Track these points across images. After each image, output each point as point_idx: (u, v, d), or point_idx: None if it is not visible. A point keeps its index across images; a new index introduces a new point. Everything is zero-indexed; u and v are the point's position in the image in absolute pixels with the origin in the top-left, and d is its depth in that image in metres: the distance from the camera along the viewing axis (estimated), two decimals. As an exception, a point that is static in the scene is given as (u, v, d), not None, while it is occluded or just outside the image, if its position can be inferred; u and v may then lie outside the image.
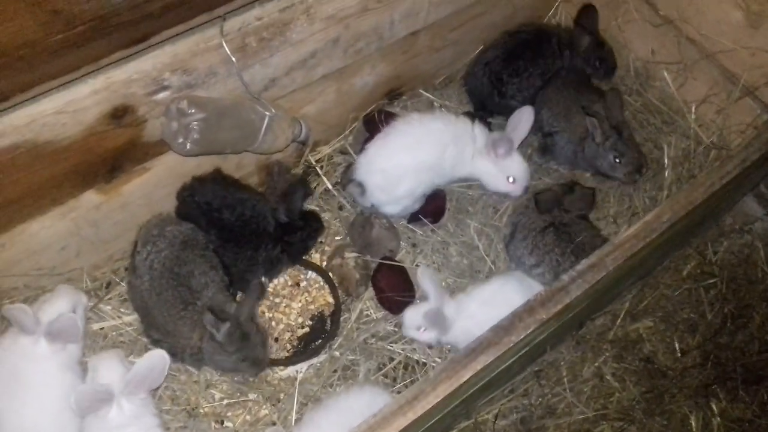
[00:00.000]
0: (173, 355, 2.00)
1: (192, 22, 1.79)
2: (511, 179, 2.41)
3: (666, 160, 2.57)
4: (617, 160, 2.40)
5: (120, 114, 1.83)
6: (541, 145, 2.62)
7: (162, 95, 1.87)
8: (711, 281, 2.52)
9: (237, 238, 2.16)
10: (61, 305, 1.99)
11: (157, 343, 2.06)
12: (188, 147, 1.87)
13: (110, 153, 1.92)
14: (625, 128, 2.43)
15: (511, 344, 1.55)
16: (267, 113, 2.03)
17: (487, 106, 2.65)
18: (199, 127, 1.85)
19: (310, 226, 2.31)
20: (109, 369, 1.92)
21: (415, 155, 2.29)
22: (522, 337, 1.56)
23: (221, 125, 1.91)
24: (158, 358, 1.88)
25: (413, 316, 2.15)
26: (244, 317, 2.00)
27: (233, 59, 1.89)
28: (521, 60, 2.59)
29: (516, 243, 2.30)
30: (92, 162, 1.91)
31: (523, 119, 2.39)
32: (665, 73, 2.66)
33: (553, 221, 2.24)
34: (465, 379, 1.51)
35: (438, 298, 2.11)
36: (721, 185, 1.80)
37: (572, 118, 2.51)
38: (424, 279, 2.12)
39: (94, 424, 1.84)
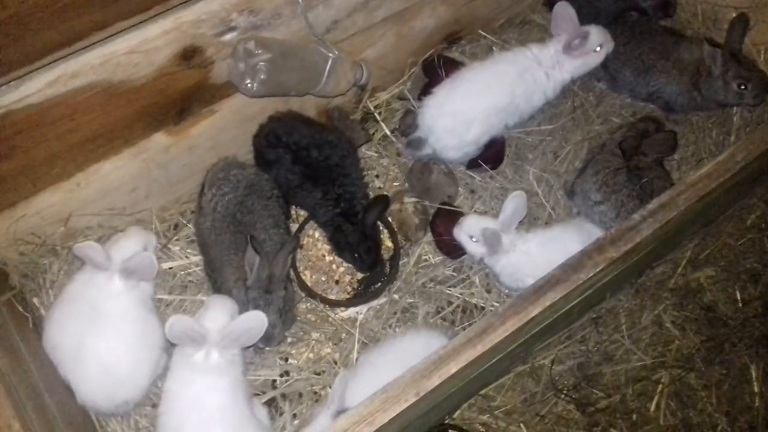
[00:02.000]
0: (216, 290, 2.11)
1: (258, -38, 1.80)
2: (598, 48, 2.39)
3: (735, 107, 2.50)
4: (743, 87, 2.32)
5: (189, 55, 1.87)
6: (663, 108, 2.57)
7: (229, 36, 1.90)
8: (776, 231, 2.47)
9: (317, 177, 2.21)
10: (133, 245, 2.05)
11: (208, 277, 2.16)
12: (255, 88, 1.90)
13: (179, 94, 1.96)
14: (740, 53, 2.35)
15: (580, 282, 1.55)
16: (330, 55, 2.03)
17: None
18: (266, 67, 1.87)
19: (365, 247, 2.24)
20: (216, 315, 1.91)
21: (485, 99, 2.28)
22: (590, 275, 1.56)
23: (286, 67, 1.93)
24: (257, 319, 1.84)
25: (473, 225, 2.18)
26: (278, 271, 2.00)
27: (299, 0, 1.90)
28: None
29: (586, 177, 2.29)
30: (162, 103, 1.95)
31: (562, 11, 2.31)
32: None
33: (628, 164, 2.22)
34: (533, 315, 1.52)
35: (506, 223, 2.13)
36: (797, 126, 1.75)
37: (667, 69, 2.46)
38: (511, 201, 2.12)
39: (181, 356, 1.88)
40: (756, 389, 2.31)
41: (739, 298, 2.41)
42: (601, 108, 2.58)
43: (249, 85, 1.89)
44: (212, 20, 1.83)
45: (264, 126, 2.23)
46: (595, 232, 2.20)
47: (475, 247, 2.20)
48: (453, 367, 1.46)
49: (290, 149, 2.19)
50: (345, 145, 2.25)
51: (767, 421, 2.30)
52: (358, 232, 2.21)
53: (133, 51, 1.77)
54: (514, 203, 2.12)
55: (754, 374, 2.33)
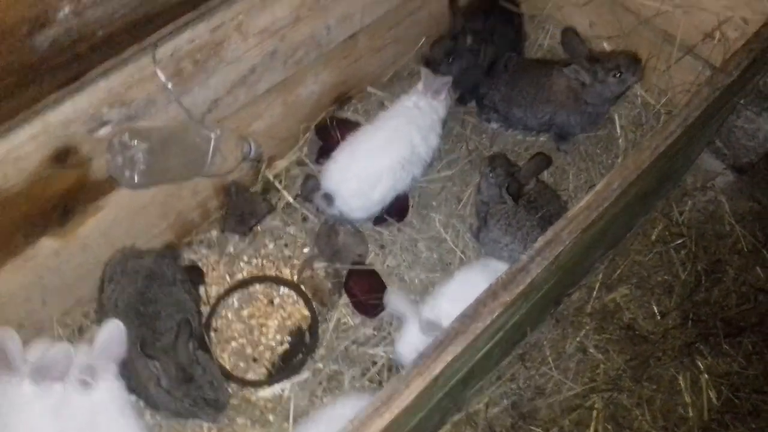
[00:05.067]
0: (132, 390, 2.00)
1: (123, 55, 1.77)
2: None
3: (618, 130, 2.60)
4: (619, 75, 2.37)
5: (63, 156, 1.81)
6: (556, 135, 2.64)
7: (104, 131, 1.85)
8: (680, 241, 2.55)
9: None
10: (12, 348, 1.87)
11: (119, 376, 2.02)
12: (136, 180, 1.86)
13: (59, 197, 1.89)
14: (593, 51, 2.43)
15: (479, 331, 1.54)
16: (212, 135, 2.02)
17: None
18: (144, 157, 1.84)
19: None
20: (60, 357, 1.83)
21: (389, 154, 2.30)
22: (489, 322, 1.55)
23: (167, 153, 1.90)
24: (114, 326, 1.86)
25: (408, 345, 2.10)
26: (184, 358, 1.93)
27: (169, 86, 1.88)
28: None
29: (490, 227, 2.31)
30: (42, 208, 1.88)
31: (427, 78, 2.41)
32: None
33: (520, 203, 2.26)
34: (437, 372, 1.49)
35: (414, 313, 2.09)
36: (667, 146, 1.81)
37: (548, 98, 2.53)
38: (393, 304, 2.12)
39: None
40: (687, 399, 2.35)
41: (656, 311, 2.46)
42: (495, 148, 2.64)
43: (129, 177, 1.85)
44: (82, 118, 1.79)
45: None
46: (500, 267, 2.21)
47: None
48: (362, 441, 1.42)
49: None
50: None
51: (703, 430, 2.33)
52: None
53: (0, 162, 1.71)
54: (395, 301, 2.14)
55: (682, 384, 2.36)
